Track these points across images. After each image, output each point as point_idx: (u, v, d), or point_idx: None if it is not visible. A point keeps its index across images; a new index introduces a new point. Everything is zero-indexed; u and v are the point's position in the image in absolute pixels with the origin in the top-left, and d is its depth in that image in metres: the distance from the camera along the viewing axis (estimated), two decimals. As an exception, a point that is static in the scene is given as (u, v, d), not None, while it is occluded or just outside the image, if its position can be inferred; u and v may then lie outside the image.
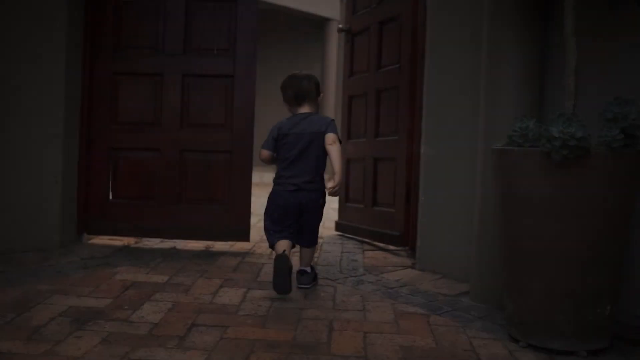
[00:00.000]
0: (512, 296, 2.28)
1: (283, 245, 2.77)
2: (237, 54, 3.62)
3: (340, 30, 4.34)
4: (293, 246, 2.84)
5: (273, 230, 2.86)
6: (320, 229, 3.37)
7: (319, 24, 10.79)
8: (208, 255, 3.51)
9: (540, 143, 2.05)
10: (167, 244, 3.80)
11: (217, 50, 3.65)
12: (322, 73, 10.43)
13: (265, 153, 2.92)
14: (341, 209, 4.39)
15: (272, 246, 2.85)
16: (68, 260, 3.25)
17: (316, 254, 3.60)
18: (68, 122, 3.48)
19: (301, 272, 2.90)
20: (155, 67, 3.65)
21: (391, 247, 3.83)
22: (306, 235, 2.91)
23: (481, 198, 2.72)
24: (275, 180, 2.93)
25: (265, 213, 2.93)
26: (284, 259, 2.66)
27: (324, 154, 2.85)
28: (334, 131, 2.85)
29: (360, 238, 4.15)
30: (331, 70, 10.55)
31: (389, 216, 3.78)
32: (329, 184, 2.78)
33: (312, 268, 2.96)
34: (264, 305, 2.59)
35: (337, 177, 2.80)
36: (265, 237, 4.04)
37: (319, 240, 3.09)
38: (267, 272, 3.15)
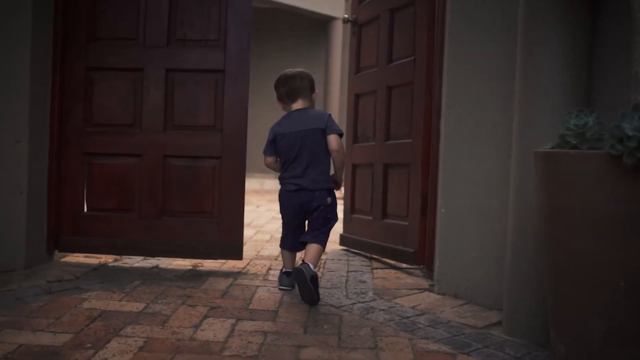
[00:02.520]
0: (563, 336, 1.82)
1: (287, 258, 2.86)
2: (229, 46, 3.18)
3: (345, 21, 3.89)
4: (299, 249, 2.84)
5: (285, 227, 2.87)
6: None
7: (322, 22, 10.51)
8: (194, 276, 3.06)
9: (604, 144, 1.60)
10: (150, 262, 3.35)
11: (205, 42, 3.21)
12: (325, 74, 10.14)
13: (268, 160, 2.87)
14: (346, 221, 3.93)
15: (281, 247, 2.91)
16: (32, 283, 2.80)
17: (319, 273, 3.16)
18: (35, 124, 3.05)
19: (303, 262, 2.65)
20: (135, 61, 3.21)
21: (404, 265, 3.37)
22: (311, 233, 2.77)
23: (517, 211, 2.27)
24: (279, 181, 2.85)
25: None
26: (301, 274, 2.56)
27: (326, 150, 2.77)
28: (336, 129, 2.77)
29: (368, 254, 3.69)
30: (335, 71, 10.28)
31: (401, 230, 3.32)
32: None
33: (316, 276, 2.66)
34: (255, 342, 2.14)
35: (339, 181, 2.87)
36: (261, 253, 3.69)
37: (322, 256, 2.87)
38: (261, 297, 2.70)
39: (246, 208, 6.62)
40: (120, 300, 2.58)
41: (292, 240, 2.85)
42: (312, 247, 2.71)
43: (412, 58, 3.26)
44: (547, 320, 2.01)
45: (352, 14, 3.87)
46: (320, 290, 2.83)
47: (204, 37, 3.20)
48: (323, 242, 2.75)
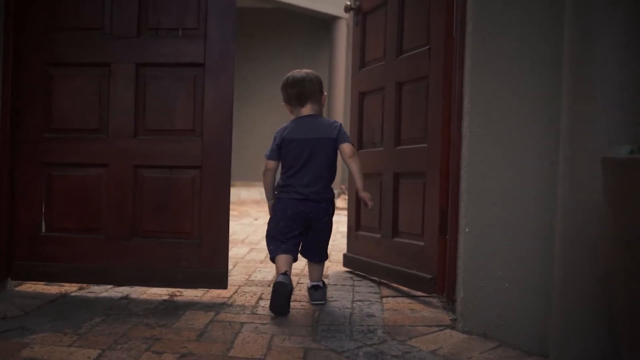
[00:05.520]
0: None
1: (284, 262, 2.57)
2: (210, 35, 2.70)
3: (348, 9, 3.40)
4: (295, 259, 2.65)
5: (277, 239, 2.64)
6: (326, 264, 2.87)
7: (326, 22, 10.12)
8: (168, 310, 2.56)
9: None
10: (120, 290, 2.86)
11: (182, 31, 2.73)
12: (329, 75, 9.75)
13: (271, 164, 2.71)
14: (350, 239, 3.42)
15: (272, 260, 2.65)
16: (-31, 321, 2.31)
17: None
18: (-21, 129, 2.58)
19: (314, 287, 2.71)
20: (100, 55, 2.74)
21: (419, 294, 2.85)
22: (316, 251, 2.74)
23: (568, 231, 1.76)
24: (279, 188, 2.69)
25: (270, 222, 2.71)
26: (284, 285, 2.45)
27: (334, 161, 2.69)
28: (347, 139, 2.68)
29: (376, 278, 3.18)
30: (339, 71, 9.94)
31: (415, 251, 2.81)
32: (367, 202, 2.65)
33: (324, 283, 2.78)
34: (232, 408, 1.64)
35: (365, 195, 2.64)
36: (252, 277, 3.29)
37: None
38: (245, 339, 2.19)
39: (243, 221, 6.14)
40: (69, 346, 2.08)
41: (291, 245, 2.62)
42: (317, 267, 2.75)
43: (427, 47, 2.75)
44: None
45: (355, 0, 3.38)
46: (320, 328, 2.34)
47: (181, 25, 2.72)
48: (326, 257, 2.79)
